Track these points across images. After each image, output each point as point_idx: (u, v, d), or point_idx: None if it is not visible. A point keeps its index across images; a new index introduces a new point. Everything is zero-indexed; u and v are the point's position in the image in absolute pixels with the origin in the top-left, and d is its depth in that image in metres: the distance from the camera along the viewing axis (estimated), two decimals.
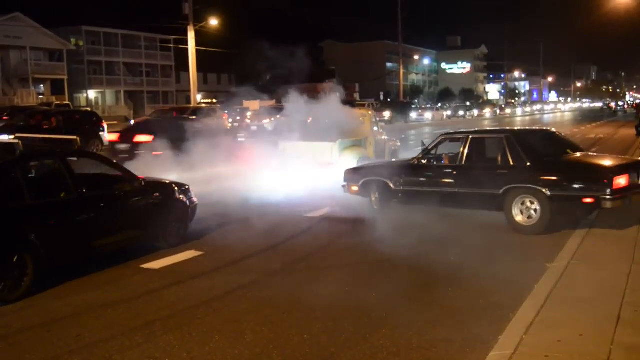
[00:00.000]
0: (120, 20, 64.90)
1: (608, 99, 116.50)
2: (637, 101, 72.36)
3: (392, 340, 5.46)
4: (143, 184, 8.48)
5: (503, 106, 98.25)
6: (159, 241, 8.65)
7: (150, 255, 8.34)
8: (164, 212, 8.69)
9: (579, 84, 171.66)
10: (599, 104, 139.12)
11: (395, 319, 5.94)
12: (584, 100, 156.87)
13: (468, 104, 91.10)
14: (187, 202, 9.26)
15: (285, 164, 14.97)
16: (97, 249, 7.70)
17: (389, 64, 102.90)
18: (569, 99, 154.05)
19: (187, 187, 9.44)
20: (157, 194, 8.77)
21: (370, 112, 18.54)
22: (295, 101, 16.73)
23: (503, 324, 5.55)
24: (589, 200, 8.86)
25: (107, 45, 66.65)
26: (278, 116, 32.42)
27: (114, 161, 8.58)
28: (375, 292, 6.80)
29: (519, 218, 9.43)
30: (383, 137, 17.96)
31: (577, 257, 7.61)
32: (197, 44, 43.53)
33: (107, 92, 67.96)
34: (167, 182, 9.42)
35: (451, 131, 12.05)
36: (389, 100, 78.08)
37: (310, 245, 9.11)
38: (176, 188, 9.20)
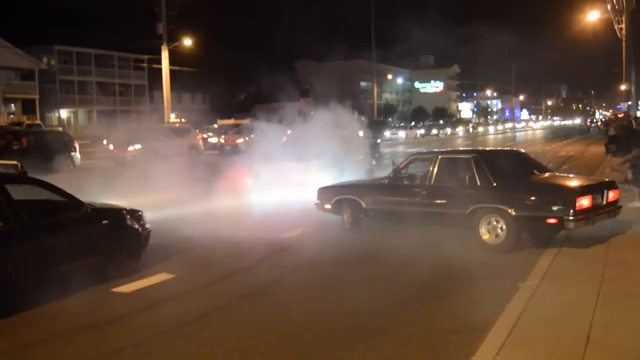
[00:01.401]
0: (94, 40, 64.63)
1: (588, 118, 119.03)
2: (604, 119, 73.74)
3: None
4: (90, 210, 8.13)
5: (476, 124, 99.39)
6: (109, 271, 8.19)
7: (121, 278, 8.21)
8: (113, 240, 8.29)
9: (549, 102, 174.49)
10: (569, 122, 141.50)
11: (368, 342, 5.92)
12: (554, 118, 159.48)
13: (441, 122, 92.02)
14: (140, 228, 8.83)
15: (260, 184, 14.95)
16: (36, 281, 7.22)
17: (363, 83, 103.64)
18: (540, 117, 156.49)
19: (140, 213, 9.06)
20: (106, 221, 8.38)
21: (344, 132, 18.66)
22: (269, 120, 16.82)
23: (475, 345, 5.55)
24: (552, 220, 8.99)
25: (80, 65, 66.30)
26: (252, 135, 32.44)
27: (59, 188, 8.03)
28: (349, 314, 6.77)
29: (486, 237, 9.56)
30: (360, 157, 18.10)
31: (548, 276, 7.68)
32: (171, 63, 43.47)
33: (79, 111, 67.39)
34: (118, 208, 9.05)
35: (422, 151, 12.19)
36: (362, 118, 78.45)
37: (283, 267, 9.07)
38: (127, 214, 8.81)
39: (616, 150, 28.69)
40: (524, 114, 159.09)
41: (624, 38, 40.14)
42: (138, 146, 28.70)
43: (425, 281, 7.92)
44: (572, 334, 5.61)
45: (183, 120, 52.48)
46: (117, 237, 8.39)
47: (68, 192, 8.10)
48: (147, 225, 9.11)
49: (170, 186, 14.69)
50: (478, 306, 6.83)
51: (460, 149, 14.88)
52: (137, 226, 8.80)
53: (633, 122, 33.51)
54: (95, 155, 30.75)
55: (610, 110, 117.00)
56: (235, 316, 6.83)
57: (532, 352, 5.25)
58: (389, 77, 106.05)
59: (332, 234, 11.27)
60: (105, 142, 31.18)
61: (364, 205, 11.13)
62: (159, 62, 43.01)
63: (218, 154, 34.35)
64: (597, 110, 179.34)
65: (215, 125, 45.83)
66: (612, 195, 9.84)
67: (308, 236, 11.31)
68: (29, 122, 44.12)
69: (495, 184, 9.61)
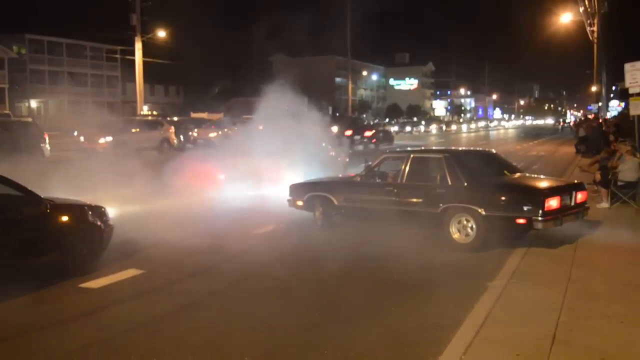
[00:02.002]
0: (66, 29, 63.69)
1: (561, 118, 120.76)
2: (576, 120, 74.83)
3: None
4: (49, 206, 7.80)
5: (449, 122, 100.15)
6: (69, 268, 7.98)
7: (89, 274, 8.11)
8: (73, 237, 8.05)
9: (522, 102, 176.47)
10: (541, 122, 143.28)
11: (336, 341, 5.93)
12: (527, 118, 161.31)
13: (415, 119, 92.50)
14: (102, 225, 8.59)
15: (233, 180, 14.88)
16: None
17: (337, 79, 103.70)
18: (513, 116, 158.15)
19: (102, 209, 8.83)
20: (66, 218, 8.10)
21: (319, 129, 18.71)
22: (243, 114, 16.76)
23: (443, 345, 5.59)
24: (521, 220, 9.12)
25: (51, 54, 65.22)
26: (226, 130, 32.27)
27: (16, 182, 7.69)
28: (318, 312, 6.78)
29: (456, 236, 9.67)
30: (331, 153, 18.11)
31: (516, 276, 7.77)
32: (145, 55, 43.08)
33: (50, 101, 66.37)
34: (79, 204, 8.76)
35: (394, 149, 12.25)
36: (337, 114, 78.59)
37: (253, 263, 9.02)
38: (89, 211, 8.55)
39: (586, 151, 29.14)
40: (497, 113, 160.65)
41: (595, 40, 40.73)
42: (109, 138, 28.38)
43: (395, 279, 7.96)
44: (538, 334, 5.69)
45: (155, 112, 51.96)
46: (78, 234, 8.16)
47: (26, 186, 7.78)
48: (110, 222, 8.86)
49: (140, 180, 14.53)
50: (447, 305, 6.89)
51: (433, 148, 14.95)
52: (99, 222, 8.56)
53: (603, 123, 34.06)
54: (66, 147, 30.31)
55: (581, 111, 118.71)
56: (205, 312, 6.80)
57: (498, 351, 5.31)
58: (364, 73, 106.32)
59: (303, 231, 11.29)
60: (75, 133, 30.75)
61: (335, 202, 11.16)
62: (133, 53, 42.59)
63: (192, 147, 34.13)
64: (568, 111, 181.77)
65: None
66: (580, 196, 10.00)
67: (279, 233, 11.31)
68: None
69: (466, 184, 9.70)
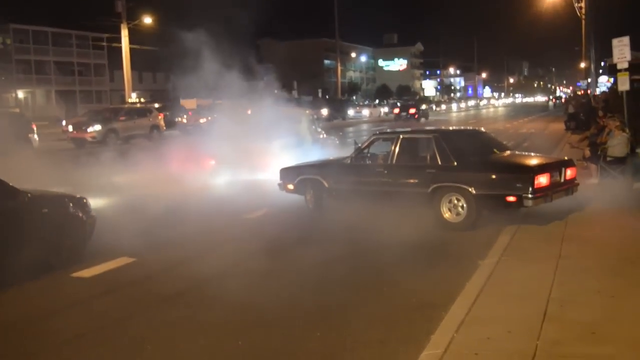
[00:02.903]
0: (51, 18, 63.00)
1: (551, 95, 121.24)
2: (566, 96, 75.04)
3: (326, 343, 5.48)
4: (28, 197, 7.65)
5: (439, 102, 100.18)
6: (50, 261, 7.82)
7: (81, 263, 8.08)
8: (53, 229, 7.87)
9: (511, 80, 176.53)
10: (530, 99, 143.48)
11: (330, 322, 5.95)
12: (516, 95, 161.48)
13: (405, 99, 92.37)
14: (83, 216, 8.41)
15: (222, 165, 14.84)
16: None
17: (326, 61, 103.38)
18: (502, 94, 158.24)
19: (84, 200, 8.66)
20: (46, 210, 7.94)
21: (307, 112, 18.70)
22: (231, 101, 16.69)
23: (435, 323, 5.62)
24: (511, 198, 9.17)
25: (37, 44, 64.62)
26: (215, 115, 32.15)
27: None
28: (311, 295, 6.80)
29: (447, 215, 9.71)
30: (321, 136, 18.10)
31: (507, 253, 7.81)
32: (132, 42, 42.73)
33: (37, 92, 65.87)
34: (59, 195, 8.59)
35: (384, 130, 12.24)
36: (326, 97, 78.42)
37: (246, 249, 9.02)
38: (69, 202, 8.38)
39: (575, 128, 29.22)
40: (487, 92, 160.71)
41: (583, 17, 40.70)
42: (98, 127, 28.23)
43: (387, 260, 7.96)
44: (529, 311, 5.73)
45: (142, 99, 51.61)
46: (58, 226, 7.97)
47: (1, 178, 7.58)
48: (92, 213, 8.69)
49: (130, 168, 14.47)
50: (439, 284, 6.93)
51: (422, 128, 14.96)
52: (80, 214, 8.39)
53: (592, 99, 34.11)
54: (55, 137, 30.14)
55: (571, 87, 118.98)
56: (198, 299, 6.79)
57: (490, 329, 5.34)
58: (353, 55, 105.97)
59: (295, 214, 11.29)
60: (64, 123, 30.56)
61: (326, 185, 11.15)
62: (119, 40, 42.24)
63: (179, 134, 34.01)
64: (557, 88, 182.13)
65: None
66: (569, 172, 10.04)
67: (270, 217, 11.30)
68: None
69: (456, 163, 9.72)
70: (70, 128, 28.94)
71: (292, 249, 8.86)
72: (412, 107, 58.80)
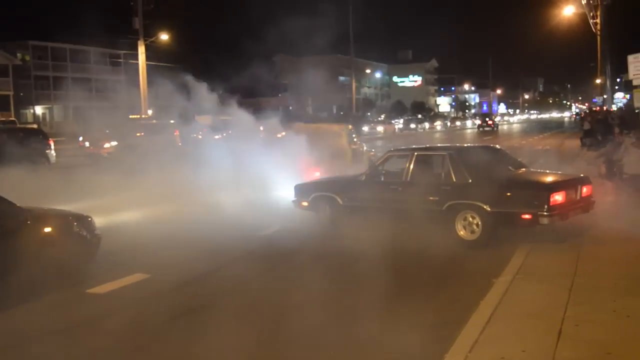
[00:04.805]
0: (69, 35, 63.81)
1: (574, 112, 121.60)
2: (581, 112, 74.66)
3: None
4: (29, 217, 7.50)
5: (453, 118, 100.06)
6: (53, 281, 7.52)
7: (96, 279, 8.11)
8: (56, 249, 7.68)
9: (526, 96, 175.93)
10: (546, 115, 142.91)
11: (343, 339, 5.94)
12: (531, 112, 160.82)
13: (419, 116, 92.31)
14: (88, 235, 8.23)
15: (239, 182, 14.78)
16: None
17: (341, 78, 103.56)
18: (518, 111, 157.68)
19: (89, 218, 8.45)
20: (49, 229, 7.79)
21: (349, 127, 19.94)
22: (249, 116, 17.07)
23: (449, 342, 5.59)
24: (527, 216, 9.12)
25: (55, 60, 65.43)
26: (230, 131, 32.27)
27: None
28: (325, 311, 6.77)
29: (462, 233, 9.65)
30: (362, 149, 18.96)
31: (522, 272, 7.76)
32: (148, 58, 43.13)
33: (55, 107, 66.59)
34: (63, 214, 8.43)
35: (399, 147, 12.24)
36: (341, 113, 78.57)
37: (259, 266, 9.02)
38: (74, 221, 8.23)
39: (591, 145, 29.00)
40: (502, 108, 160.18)
41: (599, 33, 40.55)
42: (114, 143, 28.42)
43: (402, 278, 7.95)
44: (544, 329, 5.68)
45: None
46: (61, 246, 7.79)
47: (2, 196, 7.45)
48: (97, 232, 8.50)
49: (145, 184, 14.54)
50: (453, 302, 6.90)
51: (437, 145, 14.96)
52: (85, 233, 8.21)
53: (608, 116, 33.88)
54: (71, 153, 30.40)
55: (586, 104, 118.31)
56: (212, 315, 6.79)
57: (504, 348, 5.31)
58: (367, 71, 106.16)
59: (308, 231, 11.24)
60: (81, 139, 30.82)
61: (340, 202, 11.13)
62: (136, 57, 42.68)
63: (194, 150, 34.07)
64: (573, 104, 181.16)
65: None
66: (585, 190, 9.96)
67: (284, 234, 11.27)
68: (3, 119, 43.48)
69: (470, 180, 9.68)
70: (87, 144, 29.17)
71: (305, 267, 8.80)
72: (490, 119, 75.33)
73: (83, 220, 8.41)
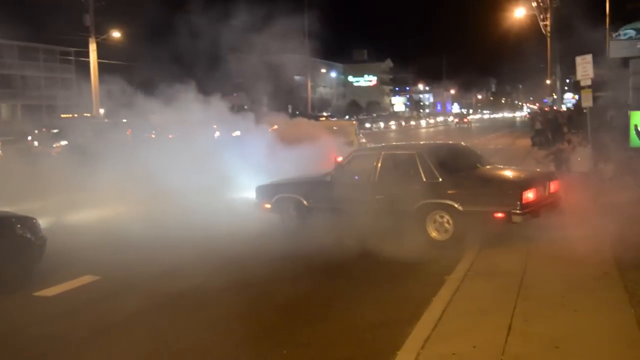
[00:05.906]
0: (18, 32, 62.14)
1: (526, 112, 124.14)
2: (532, 112, 76.22)
3: (293, 358, 5.44)
4: None
5: (408, 118, 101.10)
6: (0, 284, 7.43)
7: (44, 281, 7.91)
8: None
9: (479, 96, 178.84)
10: (499, 115, 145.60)
11: (296, 339, 5.92)
12: (484, 112, 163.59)
13: (374, 115, 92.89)
14: (32, 238, 8.00)
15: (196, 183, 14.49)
16: None
17: (296, 77, 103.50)
18: (471, 110, 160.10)
19: (33, 220, 8.23)
20: None
21: (354, 123, 22.69)
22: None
23: (401, 339, 5.62)
24: (499, 214, 8.94)
25: (2, 58, 63.66)
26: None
27: None
28: (278, 311, 6.75)
29: (433, 234, 9.46)
30: (364, 141, 21.03)
31: (473, 269, 7.86)
32: (100, 56, 42.32)
33: (3, 105, 64.79)
34: (5, 216, 8.09)
35: (365, 147, 12.14)
36: (297, 113, 78.52)
37: (210, 267, 8.82)
38: (17, 223, 7.96)
39: (542, 144, 29.62)
40: (455, 108, 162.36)
41: (548, 34, 41.46)
42: (64, 142, 27.81)
43: (355, 277, 7.96)
44: (494, 325, 5.77)
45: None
46: (3, 249, 7.57)
47: None
48: (42, 234, 8.29)
49: (96, 184, 14.19)
50: (406, 300, 6.94)
51: (404, 144, 14.88)
52: (29, 235, 7.97)
53: (558, 116, 34.66)
54: (20, 152, 29.60)
55: (537, 104, 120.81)
56: (163, 317, 6.70)
57: (455, 344, 5.36)
58: (323, 71, 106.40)
59: (264, 232, 11.04)
60: (29, 138, 30.07)
61: (305, 203, 10.80)
62: (87, 55, 41.85)
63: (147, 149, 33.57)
64: (525, 104, 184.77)
65: None
66: (553, 186, 9.93)
67: (242, 234, 10.98)
68: None
69: (440, 179, 9.49)
70: (35, 143, 28.48)
71: (260, 269, 8.65)
72: (465, 117, 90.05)
73: (27, 221, 8.14)
